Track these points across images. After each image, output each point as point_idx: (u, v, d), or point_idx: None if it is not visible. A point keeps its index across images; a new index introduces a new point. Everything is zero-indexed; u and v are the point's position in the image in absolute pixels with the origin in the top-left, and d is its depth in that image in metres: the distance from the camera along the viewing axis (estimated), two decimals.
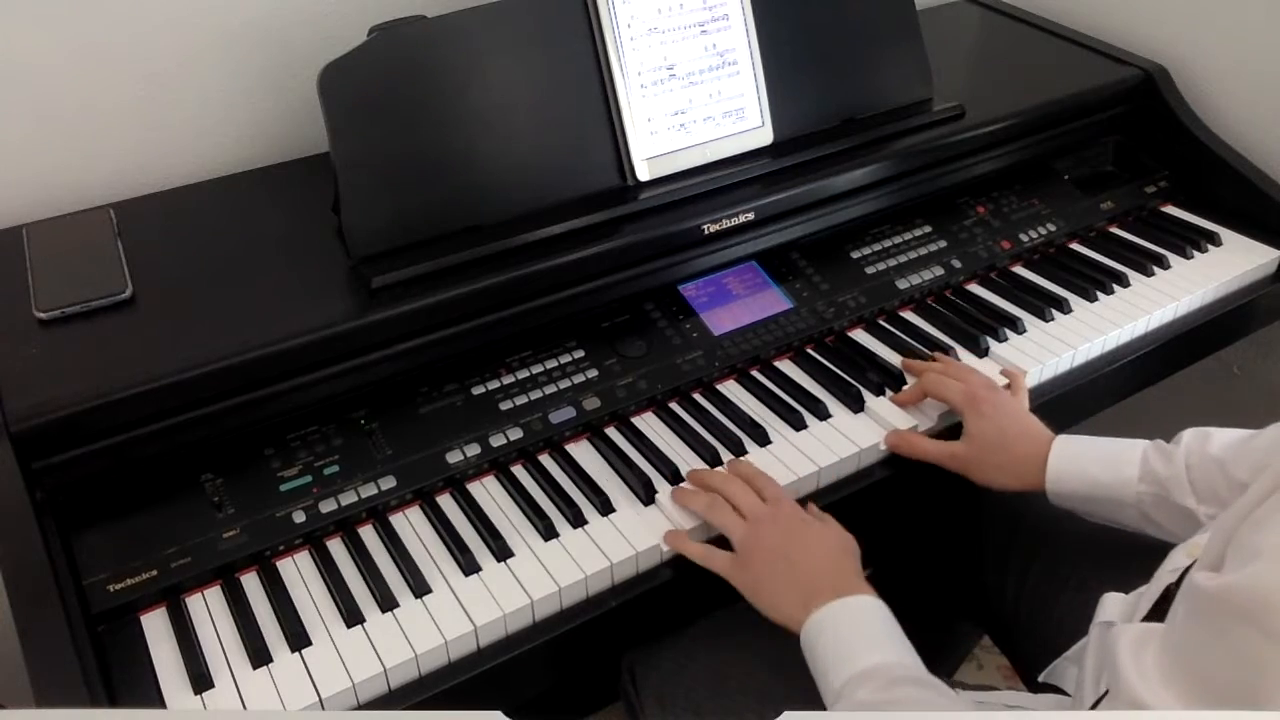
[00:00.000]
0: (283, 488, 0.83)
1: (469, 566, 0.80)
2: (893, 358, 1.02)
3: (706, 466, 0.90)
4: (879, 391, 0.98)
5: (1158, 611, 0.60)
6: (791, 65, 1.07)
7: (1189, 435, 0.85)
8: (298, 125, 1.13)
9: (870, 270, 1.10)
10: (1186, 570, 0.61)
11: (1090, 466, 0.87)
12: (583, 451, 0.92)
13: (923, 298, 1.11)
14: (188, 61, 1.06)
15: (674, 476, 0.89)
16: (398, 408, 0.89)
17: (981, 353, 1.04)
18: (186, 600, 0.78)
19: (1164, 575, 0.68)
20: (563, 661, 0.82)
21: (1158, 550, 0.73)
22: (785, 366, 1.01)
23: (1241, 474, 0.79)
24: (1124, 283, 1.13)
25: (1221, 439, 0.83)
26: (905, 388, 0.98)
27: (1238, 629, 0.50)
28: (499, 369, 0.94)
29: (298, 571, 0.81)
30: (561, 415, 0.91)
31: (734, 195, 1.02)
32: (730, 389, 0.99)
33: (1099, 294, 1.11)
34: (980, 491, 1.03)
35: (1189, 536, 0.83)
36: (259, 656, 0.74)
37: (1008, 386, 0.96)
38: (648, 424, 0.95)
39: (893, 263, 1.11)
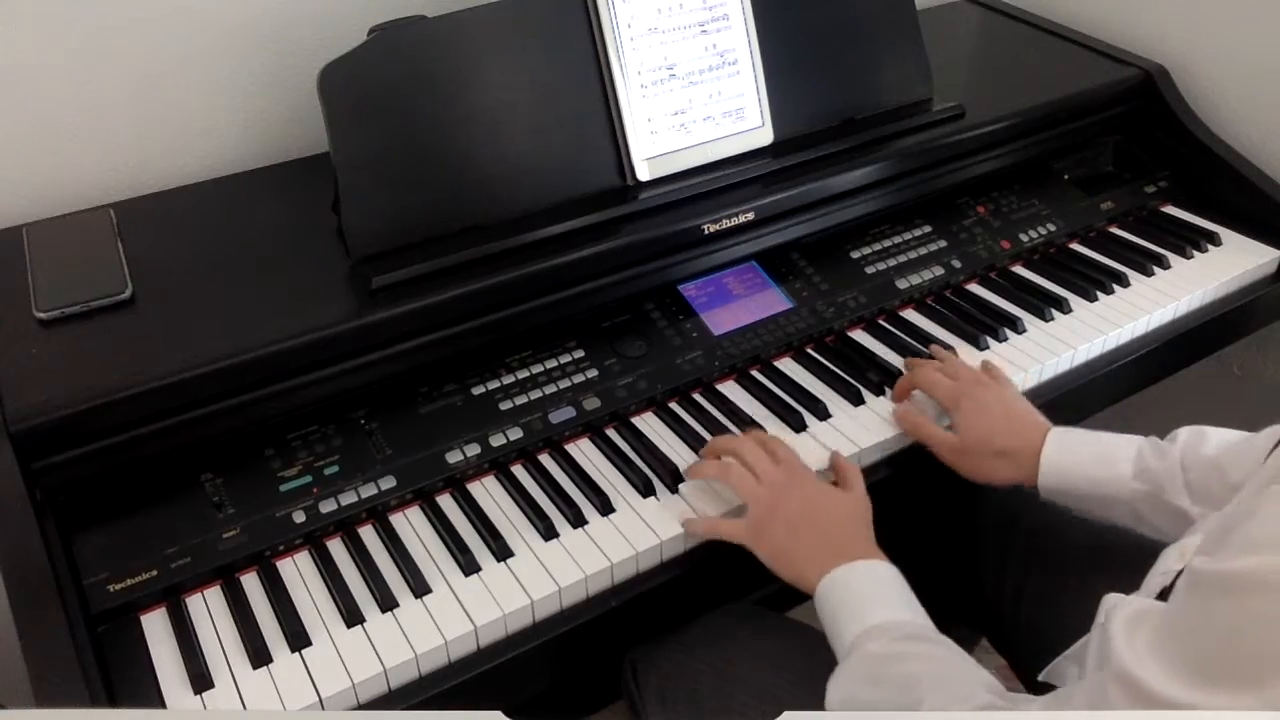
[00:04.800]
0: (283, 488, 0.83)
1: (469, 566, 0.80)
2: (893, 358, 1.02)
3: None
4: (879, 391, 0.98)
5: None
6: (791, 65, 1.07)
7: (1185, 434, 0.85)
8: (298, 125, 1.13)
9: (870, 270, 1.10)
10: (1179, 575, 0.61)
11: (1084, 462, 0.86)
12: (583, 451, 0.92)
13: (923, 297, 1.11)
14: (188, 61, 1.06)
15: (674, 476, 0.89)
16: (398, 408, 0.89)
17: (981, 352, 1.04)
18: (186, 600, 0.78)
19: (1155, 579, 0.68)
20: (563, 661, 0.82)
21: (1158, 551, 0.73)
22: (785, 366, 1.01)
23: (1238, 477, 0.79)
24: (1124, 283, 1.13)
25: (1218, 439, 0.83)
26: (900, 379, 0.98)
27: (1229, 608, 0.50)
28: (499, 369, 0.94)
29: (298, 571, 0.81)
30: (561, 415, 0.91)
31: (734, 195, 1.02)
32: (730, 389, 0.99)
33: (1099, 294, 1.11)
34: (978, 494, 1.04)
35: (1179, 536, 0.83)
36: (259, 656, 0.74)
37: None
38: (648, 424, 0.95)
39: (893, 263, 1.11)
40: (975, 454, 0.90)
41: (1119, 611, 0.58)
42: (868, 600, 0.75)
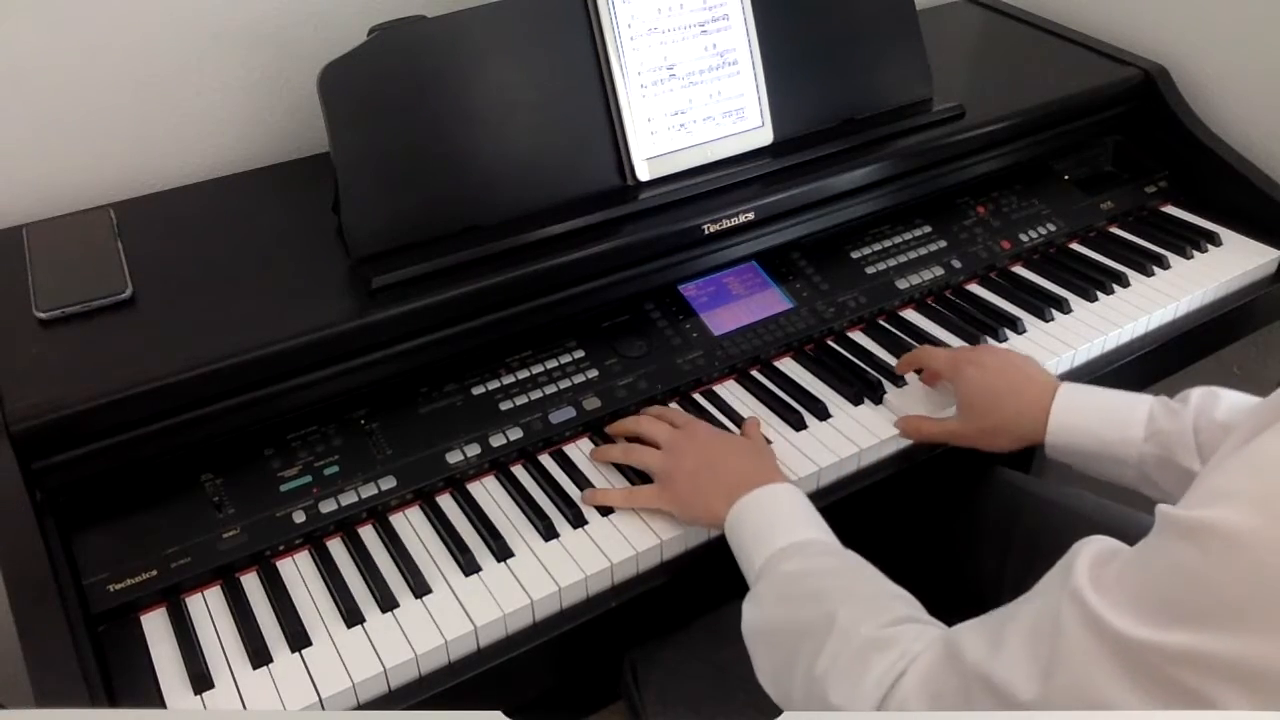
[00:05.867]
0: (283, 488, 0.83)
1: (469, 566, 0.80)
2: (892, 358, 1.02)
3: None
4: (879, 391, 0.98)
5: None
6: (791, 65, 1.07)
7: (1197, 395, 0.84)
8: (298, 125, 1.13)
9: (870, 270, 1.10)
10: None
11: (1094, 422, 0.85)
12: (583, 452, 0.92)
13: (923, 298, 1.11)
14: (188, 61, 1.06)
15: None
16: (398, 408, 0.89)
17: None
18: (186, 600, 0.78)
19: None
20: (563, 661, 0.82)
21: None
22: (785, 366, 1.01)
23: None
24: (1124, 283, 1.13)
25: (1230, 402, 0.82)
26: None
27: (1188, 551, 0.51)
28: (499, 369, 0.94)
29: (298, 571, 0.81)
30: (561, 415, 0.91)
31: (734, 195, 1.02)
32: (730, 389, 0.99)
33: (1099, 294, 1.11)
34: (978, 493, 1.04)
35: None
36: (259, 656, 0.74)
37: None
38: None
39: (893, 263, 1.11)
40: (984, 423, 0.89)
41: (1087, 547, 0.58)
42: (772, 524, 0.77)
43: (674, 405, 0.96)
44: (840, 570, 0.72)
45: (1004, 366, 0.91)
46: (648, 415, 0.91)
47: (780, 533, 0.76)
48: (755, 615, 0.73)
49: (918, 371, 0.99)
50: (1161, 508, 0.55)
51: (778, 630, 0.71)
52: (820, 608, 0.68)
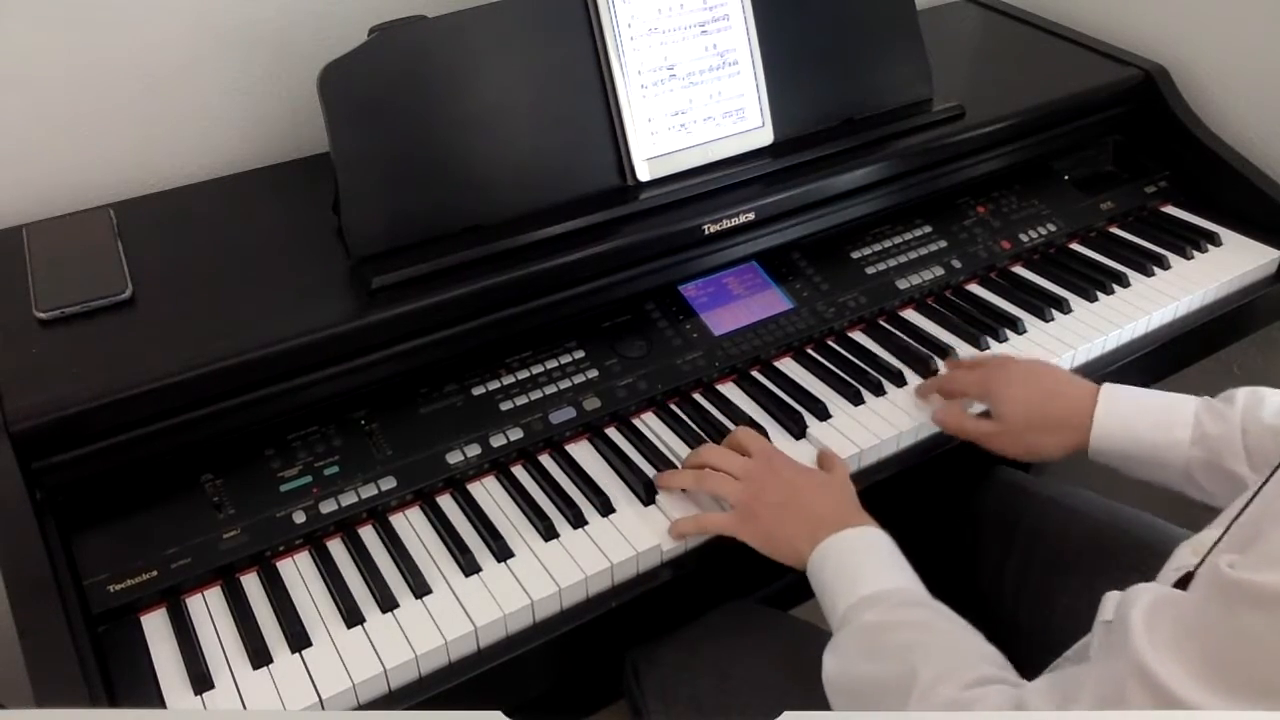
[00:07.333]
0: (283, 488, 0.83)
1: (469, 567, 0.80)
2: (893, 358, 1.02)
3: None
4: (879, 392, 0.98)
5: None
6: (791, 65, 1.07)
7: (1243, 395, 0.83)
8: (298, 125, 1.13)
9: (870, 270, 1.10)
10: (1189, 573, 0.61)
11: (1139, 426, 0.84)
12: (583, 451, 0.92)
13: (923, 298, 1.11)
14: (188, 62, 1.06)
15: None
16: (398, 408, 0.89)
17: (982, 353, 1.03)
18: (186, 600, 0.78)
19: (1168, 574, 0.67)
20: (563, 662, 0.82)
21: (1159, 550, 0.73)
22: (785, 366, 1.01)
23: None
24: (1124, 283, 1.13)
25: (1276, 403, 0.81)
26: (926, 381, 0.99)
27: (1264, 622, 0.49)
28: (499, 369, 0.94)
29: (298, 572, 0.81)
30: (561, 415, 0.91)
31: (734, 195, 1.02)
32: (730, 389, 0.99)
33: (1099, 294, 1.11)
34: (978, 494, 1.04)
35: (1229, 501, 0.82)
36: (259, 656, 0.74)
37: None
38: (648, 424, 0.95)
39: (893, 263, 1.11)
40: (1021, 431, 0.88)
41: (1139, 600, 0.56)
42: (859, 569, 0.75)
43: (674, 403, 0.96)
44: (925, 624, 0.70)
45: (1031, 373, 0.90)
46: (716, 446, 0.87)
47: (864, 580, 0.73)
48: (836, 668, 0.72)
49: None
50: (1221, 569, 0.53)
51: (859, 689, 0.70)
52: (903, 664, 0.66)
